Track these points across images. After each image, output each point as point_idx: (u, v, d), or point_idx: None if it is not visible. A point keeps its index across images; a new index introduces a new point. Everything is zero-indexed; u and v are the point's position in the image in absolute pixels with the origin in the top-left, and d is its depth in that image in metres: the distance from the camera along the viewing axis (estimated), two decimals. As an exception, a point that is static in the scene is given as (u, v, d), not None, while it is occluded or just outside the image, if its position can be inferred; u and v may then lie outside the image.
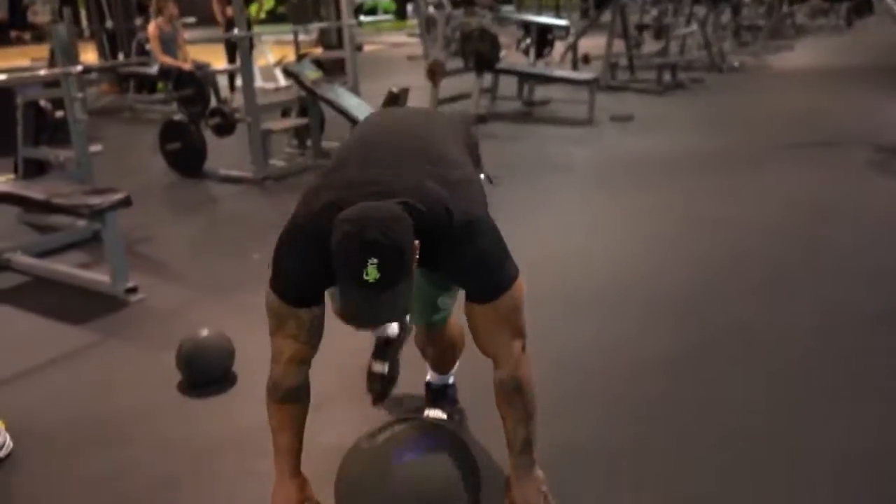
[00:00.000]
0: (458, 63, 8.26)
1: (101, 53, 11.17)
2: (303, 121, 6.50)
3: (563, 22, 11.34)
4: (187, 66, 8.07)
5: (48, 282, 4.13)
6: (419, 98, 7.64)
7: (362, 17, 10.52)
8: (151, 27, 8.52)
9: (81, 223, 4.73)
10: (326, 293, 1.98)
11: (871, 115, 7.71)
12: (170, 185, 6.17)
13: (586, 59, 11.25)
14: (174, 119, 6.23)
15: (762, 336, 3.26)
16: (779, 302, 3.58)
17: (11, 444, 2.62)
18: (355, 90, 6.88)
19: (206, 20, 12.41)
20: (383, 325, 1.77)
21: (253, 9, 11.01)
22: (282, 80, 10.18)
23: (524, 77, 8.72)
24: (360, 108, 6.10)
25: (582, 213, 5.10)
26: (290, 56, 9.71)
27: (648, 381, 2.94)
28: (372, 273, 1.59)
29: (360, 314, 1.67)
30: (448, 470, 1.97)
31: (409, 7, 22.44)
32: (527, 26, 9.74)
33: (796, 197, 5.16)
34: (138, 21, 10.84)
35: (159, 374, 3.07)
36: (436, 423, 2.13)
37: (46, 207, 4.01)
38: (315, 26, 11.58)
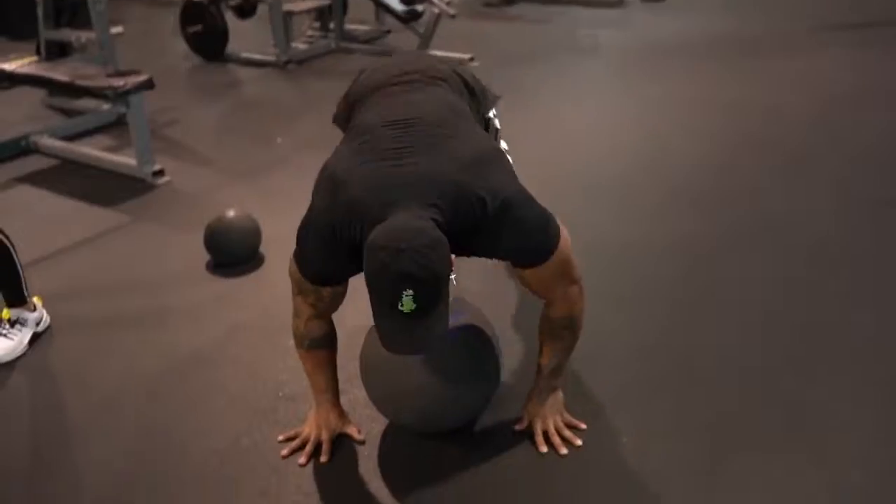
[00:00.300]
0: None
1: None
2: (325, 2, 6.34)
3: None
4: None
5: (75, 165, 4.17)
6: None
7: None
8: None
9: (106, 107, 4.73)
10: None
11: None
12: (192, 69, 6.11)
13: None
14: (194, 0, 6.10)
15: (781, 219, 3.25)
16: (799, 187, 3.54)
17: (49, 319, 2.72)
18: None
19: None
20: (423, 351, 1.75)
21: None
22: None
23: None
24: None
25: (605, 97, 5.00)
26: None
27: (666, 262, 2.96)
28: (407, 304, 1.54)
29: (397, 343, 1.62)
30: (469, 346, 2.02)
31: None
32: None
33: (831, 83, 5.01)
34: None
35: (187, 255, 3.13)
36: (461, 300, 2.15)
37: (70, 89, 4.01)
38: None
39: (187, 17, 6.15)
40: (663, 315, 2.65)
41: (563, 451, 2.04)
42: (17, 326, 2.57)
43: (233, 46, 6.16)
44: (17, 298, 2.60)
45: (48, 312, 2.72)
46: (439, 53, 5.82)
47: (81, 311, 2.83)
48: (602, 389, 2.28)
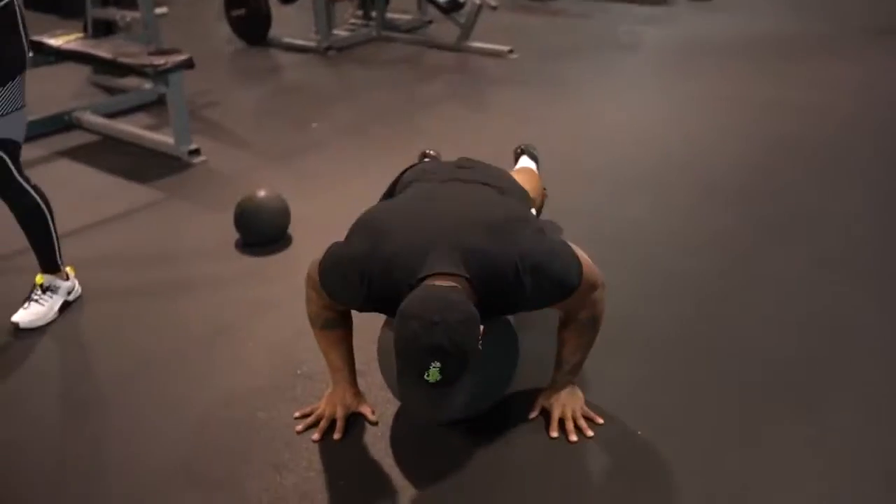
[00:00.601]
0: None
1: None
2: (369, -10, 6.37)
3: None
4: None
5: (115, 141, 4.25)
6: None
7: None
8: None
9: (148, 86, 4.82)
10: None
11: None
12: (234, 53, 6.18)
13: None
14: (239, -16, 6.17)
15: (815, 220, 3.21)
16: (835, 188, 3.49)
17: (80, 289, 2.78)
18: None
19: None
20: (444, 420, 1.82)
21: None
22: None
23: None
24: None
25: (644, 94, 4.96)
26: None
27: (696, 259, 2.93)
28: (433, 375, 1.59)
29: (419, 409, 1.69)
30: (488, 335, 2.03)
31: None
32: None
33: (873, 86, 4.91)
34: None
35: (219, 232, 3.18)
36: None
37: (112, 66, 4.09)
38: None
39: (231, 1, 6.22)
40: (690, 311, 2.63)
41: (574, 438, 2.05)
42: (49, 293, 2.64)
43: (275, 31, 6.22)
44: (51, 265, 2.66)
45: (80, 282, 2.79)
46: (479, 45, 5.84)
47: (111, 282, 2.90)
48: (622, 381, 2.28)
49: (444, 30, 6.27)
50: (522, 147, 2.97)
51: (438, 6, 5.93)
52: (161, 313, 2.71)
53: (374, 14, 6.47)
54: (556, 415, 2.10)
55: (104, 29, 4.95)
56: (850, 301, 2.66)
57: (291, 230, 3.16)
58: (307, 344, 2.41)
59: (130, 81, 5.00)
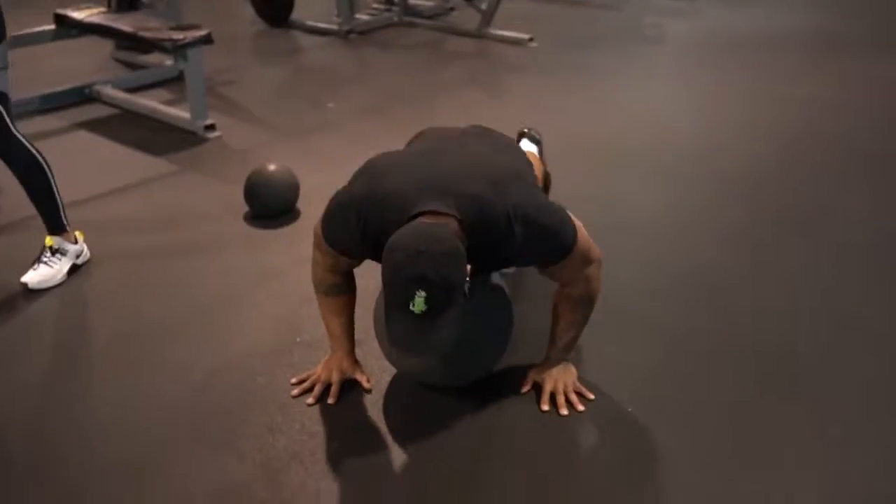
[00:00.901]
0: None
1: None
2: (392, -25, 6.39)
3: None
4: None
5: (134, 115, 4.30)
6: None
7: None
8: None
9: (168, 62, 4.87)
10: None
11: None
12: (256, 34, 6.22)
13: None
14: (264, -34, 6.21)
15: (832, 214, 3.18)
16: (854, 183, 3.45)
17: (89, 254, 2.83)
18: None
19: None
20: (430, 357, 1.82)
21: None
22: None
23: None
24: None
25: (667, 86, 4.93)
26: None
27: (715, 247, 2.93)
28: (419, 304, 1.60)
29: (403, 341, 1.67)
30: (479, 301, 2.04)
31: None
32: None
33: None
34: None
35: (228, 205, 3.22)
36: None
37: (133, 39, 4.13)
38: None
39: (255, -18, 6.26)
40: (699, 301, 2.62)
41: (564, 411, 2.06)
42: (58, 255, 2.69)
43: (297, 14, 6.25)
44: (57, 226, 2.71)
45: (90, 246, 2.83)
46: (500, 32, 5.83)
47: (120, 247, 2.94)
48: (624, 366, 2.28)
49: (466, 17, 6.27)
50: (525, 130, 2.96)
51: (460, -8, 5.93)
52: (167, 279, 2.75)
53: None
54: (547, 388, 2.11)
55: (127, 4, 5.00)
56: (862, 295, 2.64)
57: (300, 204, 3.19)
58: (308, 312, 2.44)
59: (151, 58, 5.06)
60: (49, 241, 2.70)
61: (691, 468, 1.90)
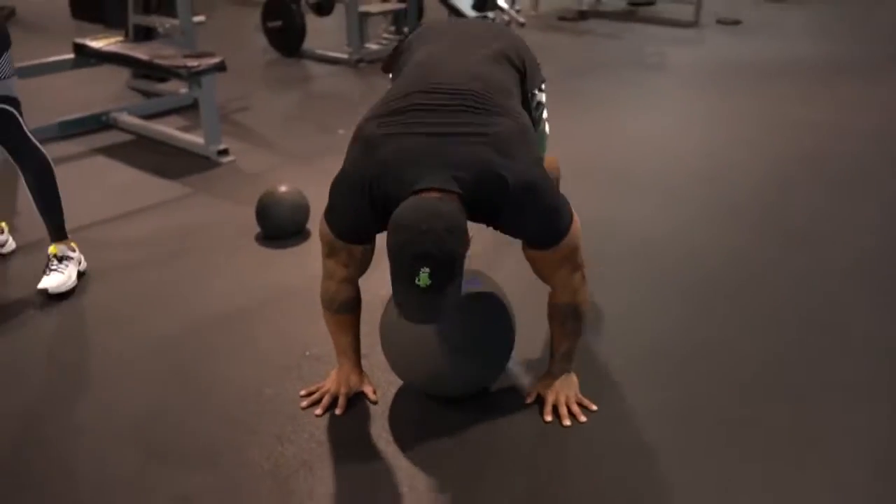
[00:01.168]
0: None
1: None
2: (401, 6, 6.53)
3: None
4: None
5: (149, 140, 4.42)
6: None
7: None
8: None
9: (183, 90, 5.00)
10: None
11: None
12: (269, 63, 6.37)
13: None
14: (277, -4, 6.38)
15: (827, 230, 3.25)
16: (859, 207, 3.52)
17: (86, 263, 2.94)
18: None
19: None
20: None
21: None
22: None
23: (633, -25, 8.44)
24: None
25: (666, 112, 5.02)
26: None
27: (708, 264, 2.99)
28: (423, 279, 1.67)
29: (411, 312, 1.76)
30: (482, 311, 2.12)
31: None
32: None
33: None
34: None
35: (240, 226, 3.31)
36: (479, 273, 2.25)
37: (149, 67, 4.26)
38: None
39: (268, 13, 6.42)
40: (704, 321, 2.68)
41: (567, 422, 2.11)
42: (65, 262, 2.80)
43: (309, 44, 6.40)
44: (61, 232, 2.85)
45: (102, 263, 2.94)
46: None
47: (133, 265, 3.03)
48: (626, 382, 2.34)
49: (474, 46, 6.38)
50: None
51: (468, 22, 6.05)
52: (178, 294, 2.83)
53: (405, 29, 6.62)
54: (550, 400, 2.16)
55: (144, 34, 5.14)
56: (865, 309, 2.70)
57: (310, 225, 3.28)
58: (317, 329, 2.50)
59: (167, 86, 5.19)
60: (53, 249, 2.82)
61: (694, 480, 1.95)
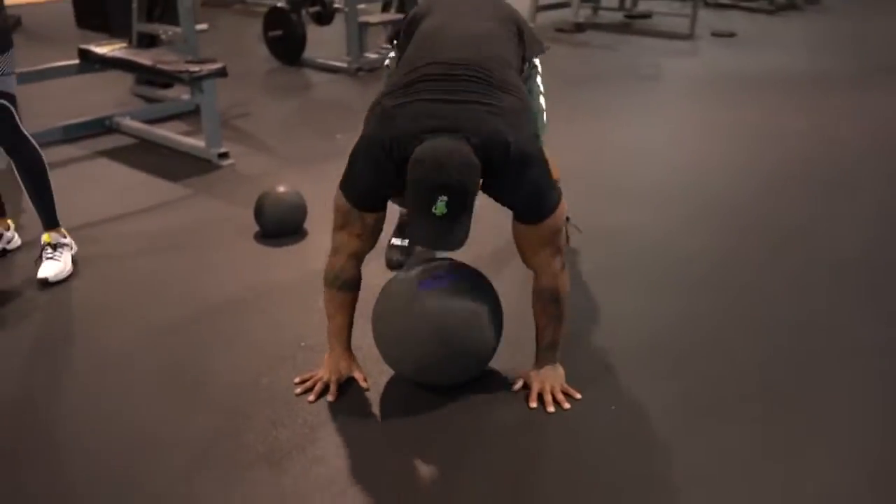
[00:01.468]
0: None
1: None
2: (400, 16, 6.63)
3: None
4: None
5: (151, 144, 4.51)
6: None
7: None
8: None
9: (185, 96, 5.09)
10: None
11: None
12: (270, 71, 6.46)
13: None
14: (278, 6, 6.48)
15: (818, 234, 3.35)
16: (839, 208, 3.61)
17: (76, 248, 3.04)
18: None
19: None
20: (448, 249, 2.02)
21: None
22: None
23: (629, -12, 8.55)
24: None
25: (661, 121, 5.11)
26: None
27: (695, 266, 3.08)
28: (440, 208, 1.86)
29: (427, 239, 1.98)
30: (470, 302, 2.19)
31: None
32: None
33: (888, 120, 5.02)
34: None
35: (238, 225, 3.40)
36: (466, 264, 2.32)
37: (151, 72, 4.35)
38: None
39: (270, 22, 6.52)
40: (695, 319, 2.76)
41: (551, 409, 2.19)
42: (59, 249, 2.90)
43: (309, 52, 6.50)
44: (53, 220, 2.94)
45: (107, 261, 3.01)
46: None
47: (133, 262, 3.12)
48: (614, 378, 2.42)
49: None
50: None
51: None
52: (176, 287, 2.92)
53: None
54: (535, 388, 2.24)
55: (147, 41, 5.24)
56: (854, 312, 2.78)
57: (308, 225, 3.36)
58: (312, 321, 2.59)
59: (170, 92, 5.29)
60: (47, 237, 2.91)
61: (675, 471, 2.03)
